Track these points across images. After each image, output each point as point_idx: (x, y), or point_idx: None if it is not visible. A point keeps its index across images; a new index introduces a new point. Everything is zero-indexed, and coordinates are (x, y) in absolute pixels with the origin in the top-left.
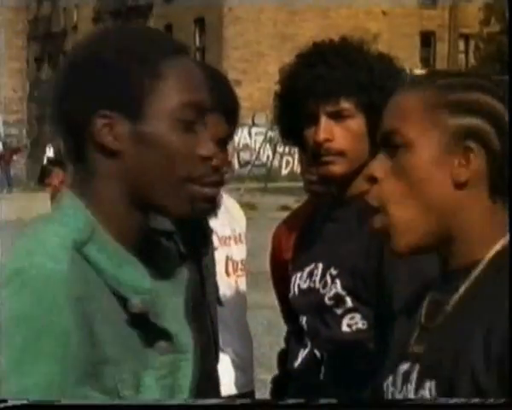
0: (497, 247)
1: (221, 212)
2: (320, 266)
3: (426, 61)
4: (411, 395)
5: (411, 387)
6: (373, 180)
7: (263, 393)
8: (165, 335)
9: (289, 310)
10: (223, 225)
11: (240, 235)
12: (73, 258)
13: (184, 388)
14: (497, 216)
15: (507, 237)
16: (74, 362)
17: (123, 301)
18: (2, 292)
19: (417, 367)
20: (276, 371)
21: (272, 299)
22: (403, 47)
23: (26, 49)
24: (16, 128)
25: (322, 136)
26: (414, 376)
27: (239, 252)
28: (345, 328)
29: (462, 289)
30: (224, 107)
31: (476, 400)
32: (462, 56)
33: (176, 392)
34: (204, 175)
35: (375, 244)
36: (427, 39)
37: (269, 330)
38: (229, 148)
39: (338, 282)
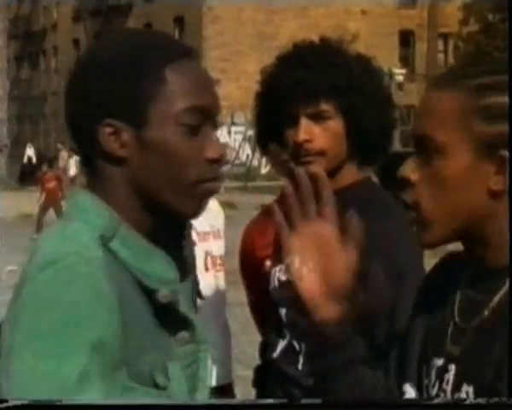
0: None
1: None
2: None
3: (405, 61)
4: (448, 396)
5: (447, 387)
6: (407, 182)
7: (241, 389)
8: (187, 325)
9: (266, 303)
10: (201, 221)
11: (218, 231)
12: (104, 250)
13: (205, 378)
14: None
15: None
16: (112, 349)
17: (150, 293)
18: (37, 280)
19: (454, 368)
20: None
21: None
22: (382, 46)
23: (6, 48)
24: None
25: (302, 136)
26: (451, 377)
27: (217, 247)
28: None
29: (502, 292)
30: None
31: (478, 400)
32: (440, 56)
33: (198, 382)
34: (215, 176)
35: None
36: (406, 39)
37: (247, 328)
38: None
39: None
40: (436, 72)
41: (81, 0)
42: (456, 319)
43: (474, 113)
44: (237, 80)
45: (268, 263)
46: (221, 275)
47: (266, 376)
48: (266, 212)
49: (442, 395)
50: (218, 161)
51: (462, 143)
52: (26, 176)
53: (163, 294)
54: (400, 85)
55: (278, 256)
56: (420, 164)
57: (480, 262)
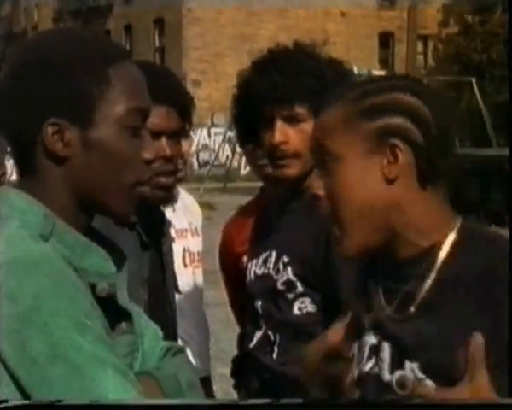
0: (453, 232)
1: (178, 207)
2: (274, 253)
3: (384, 62)
4: (385, 373)
5: (384, 365)
6: (318, 198)
7: (221, 387)
8: (126, 316)
9: (243, 296)
10: (180, 218)
11: (196, 228)
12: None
13: (142, 366)
14: (431, 203)
15: (455, 221)
16: (99, 326)
17: (91, 287)
18: (10, 285)
19: (388, 347)
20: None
21: None
22: (361, 48)
23: None
24: None
25: (278, 138)
26: (387, 355)
27: (195, 244)
28: (296, 311)
29: (432, 275)
30: (174, 100)
31: (476, 400)
32: (420, 57)
33: (133, 371)
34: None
35: (322, 234)
36: (385, 40)
37: (227, 326)
38: (188, 140)
39: (289, 269)
40: (416, 73)
41: (62, 1)
42: (383, 305)
43: (358, 115)
44: (217, 82)
45: (245, 259)
46: (199, 271)
47: (243, 366)
48: (243, 211)
49: (376, 370)
50: (153, 162)
51: (354, 145)
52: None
53: (101, 288)
54: None
55: (253, 251)
56: (322, 177)
57: (396, 253)
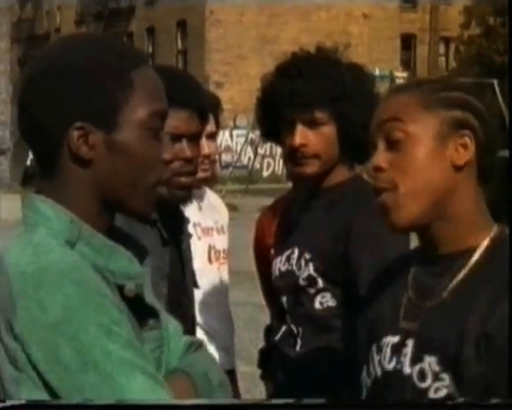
0: (491, 235)
1: (205, 205)
2: (296, 250)
3: (406, 64)
4: (406, 367)
5: (405, 359)
6: (379, 170)
7: (244, 385)
8: (152, 312)
9: (272, 290)
10: (206, 217)
11: (222, 226)
12: (74, 252)
13: (169, 361)
14: (481, 202)
15: (497, 226)
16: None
17: (118, 289)
18: (40, 294)
19: (412, 342)
20: (255, 364)
21: (253, 296)
22: (383, 50)
23: (9, 52)
24: None
25: (298, 141)
26: (408, 350)
27: (221, 242)
28: (317, 305)
29: (461, 275)
30: (194, 104)
31: (477, 400)
32: (442, 59)
33: (162, 365)
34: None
35: (342, 231)
36: (407, 42)
37: (249, 326)
38: (215, 142)
39: (311, 265)
40: (437, 75)
41: (84, 4)
42: (412, 297)
43: (435, 103)
44: (239, 83)
45: (273, 252)
46: (224, 268)
47: (269, 358)
48: (275, 204)
49: (399, 367)
50: (172, 162)
51: (428, 128)
52: (29, 179)
53: (128, 289)
54: None
55: (278, 248)
56: (387, 152)
57: (435, 247)
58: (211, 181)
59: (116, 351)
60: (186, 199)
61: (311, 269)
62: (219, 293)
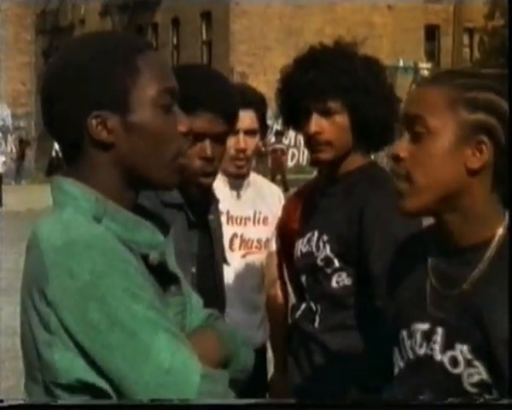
0: (500, 230)
1: (247, 195)
2: (316, 233)
3: (430, 55)
4: (437, 354)
5: (436, 346)
6: (398, 159)
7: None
8: (175, 280)
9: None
10: (242, 206)
11: (265, 217)
12: (100, 227)
13: (188, 325)
14: (495, 204)
15: (505, 222)
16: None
17: (143, 258)
18: (70, 264)
19: (441, 331)
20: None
21: None
22: (407, 41)
23: (34, 43)
24: (25, 121)
25: (313, 129)
26: (439, 338)
27: (256, 232)
28: (334, 284)
29: (480, 267)
30: (219, 107)
31: (477, 400)
32: (466, 50)
33: (184, 328)
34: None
35: (356, 215)
36: (431, 33)
37: None
38: (256, 138)
39: (328, 246)
40: (462, 66)
41: None
42: (436, 286)
43: (460, 102)
44: (264, 74)
45: (297, 234)
46: (253, 257)
47: (291, 333)
48: (302, 190)
49: (430, 353)
50: (188, 133)
51: (449, 127)
52: (54, 169)
53: (152, 257)
54: None
55: (300, 231)
56: (409, 143)
57: (454, 239)
58: (243, 177)
59: (140, 311)
60: (202, 198)
61: (327, 250)
62: (243, 279)
